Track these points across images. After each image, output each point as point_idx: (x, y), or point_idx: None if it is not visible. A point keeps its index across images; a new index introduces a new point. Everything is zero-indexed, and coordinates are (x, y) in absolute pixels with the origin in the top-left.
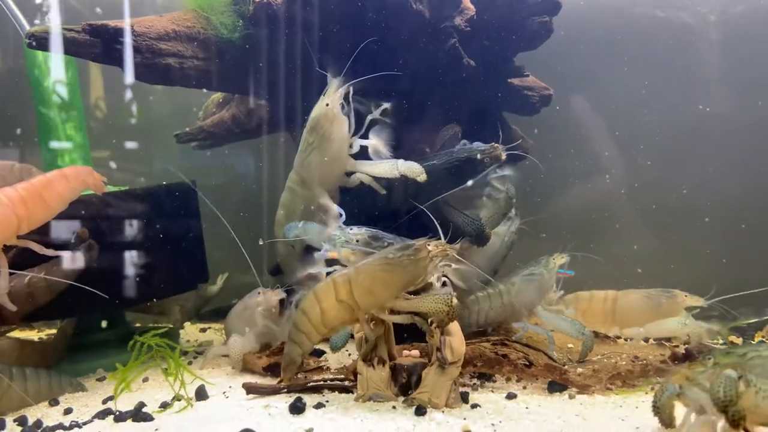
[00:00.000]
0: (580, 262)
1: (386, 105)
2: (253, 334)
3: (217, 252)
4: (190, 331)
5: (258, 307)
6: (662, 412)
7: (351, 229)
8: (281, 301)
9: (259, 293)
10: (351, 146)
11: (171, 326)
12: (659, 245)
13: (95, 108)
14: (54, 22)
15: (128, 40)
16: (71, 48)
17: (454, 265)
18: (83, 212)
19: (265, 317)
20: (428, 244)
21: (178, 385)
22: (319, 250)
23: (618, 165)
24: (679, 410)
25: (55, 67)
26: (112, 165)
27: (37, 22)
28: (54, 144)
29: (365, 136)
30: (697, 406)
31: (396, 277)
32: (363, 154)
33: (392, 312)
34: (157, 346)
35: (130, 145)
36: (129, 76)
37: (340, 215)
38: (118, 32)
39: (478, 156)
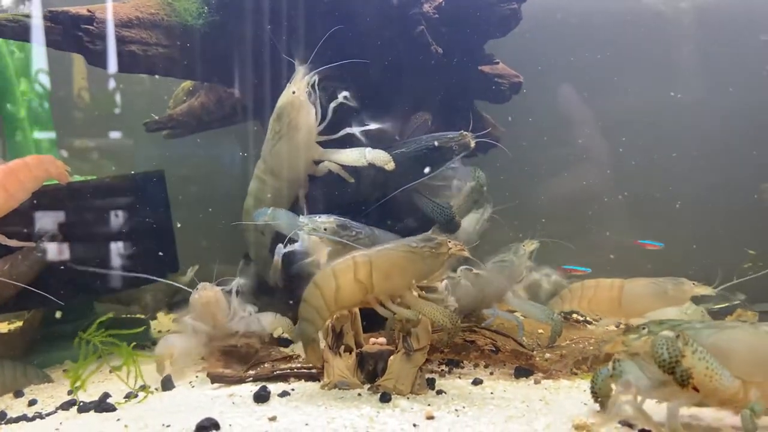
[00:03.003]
0: (553, 250)
1: (345, 93)
2: (189, 337)
3: (192, 241)
4: (163, 321)
5: (186, 317)
6: (601, 397)
7: (319, 217)
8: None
9: (197, 288)
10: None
11: (143, 316)
12: (630, 232)
13: (75, 97)
14: (15, 9)
15: (110, 30)
16: (32, 35)
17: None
18: (47, 202)
19: (203, 316)
20: (448, 242)
21: (135, 376)
22: (288, 236)
23: (590, 153)
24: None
25: (20, 54)
26: (64, 152)
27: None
28: (18, 134)
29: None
30: (628, 383)
31: (414, 266)
32: (331, 142)
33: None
34: (102, 344)
35: (99, 134)
36: (98, 63)
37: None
38: (79, 19)
39: (443, 144)
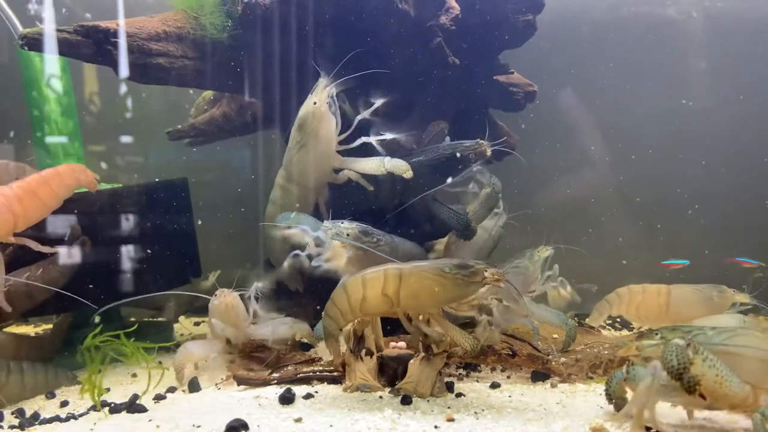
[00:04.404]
0: (566, 255)
1: (377, 103)
2: (209, 343)
3: (212, 246)
4: (185, 325)
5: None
6: (616, 399)
7: (342, 223)
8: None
9: (216, 295)
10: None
11: (167, 320)
12: (643, 237)
13: (89, 102)
14: (46, 24)
15: (122, 41)
16: (63, 49)
17: (505, 302)
18: (77, 209)
19: (223, 322)
20: (485, 270)
21: (152, 380)
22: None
23: (603, 159)
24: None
25: (49, 65)
26: (103, 165)
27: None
28: (47, 142)
29: (354, 135)
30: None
31: (445, 290)
32: (351, 151)
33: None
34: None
35: (124, 142)
36: (122, 76)
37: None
38: (109, 33)
39: (462, 153)
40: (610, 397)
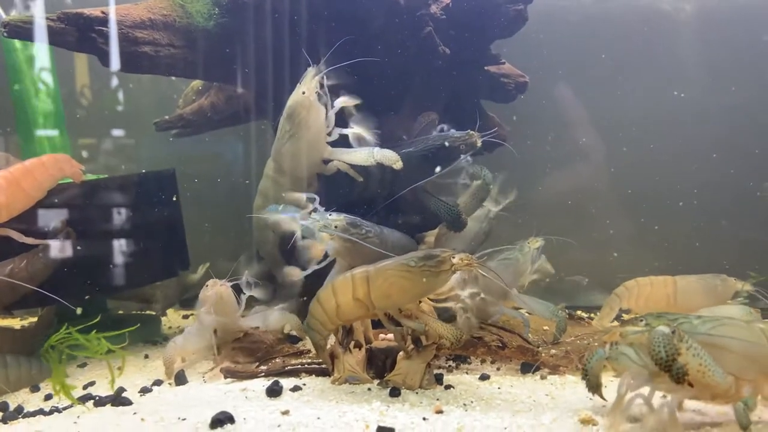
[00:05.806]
0: (557, 247)
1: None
2: (198, 335)
3: (201, 239)
4: (173, 318)
5: (201, 308)
6: (590, 376)
7: (330, 214)
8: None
9: (207, 286)
10: (330, 134)
11: (154, 313)
12: (634, 229)
13: (78, 94)
14: (30, 11)
15: (113, 30)
16: (47, 37)
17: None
18: (61, 200)
19: (214, 313)
20: (453, 257)
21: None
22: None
23: (594, 151)
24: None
25: (33, 55)
26: (89, 154)
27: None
28: (32, 132)
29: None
30: (627, 370)
31: (414, 284)
32: (340, 142)
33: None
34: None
35: (110, 133)
36: (106, 64)
37: (314, 199)
38: (93, 20)
39: (452, 143)
40: (585, 372)
